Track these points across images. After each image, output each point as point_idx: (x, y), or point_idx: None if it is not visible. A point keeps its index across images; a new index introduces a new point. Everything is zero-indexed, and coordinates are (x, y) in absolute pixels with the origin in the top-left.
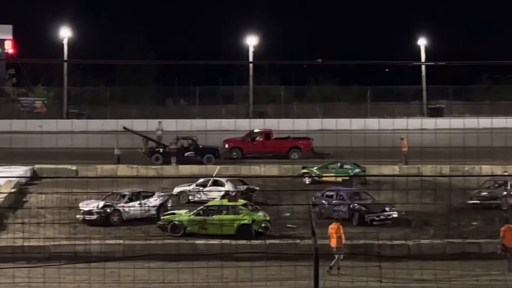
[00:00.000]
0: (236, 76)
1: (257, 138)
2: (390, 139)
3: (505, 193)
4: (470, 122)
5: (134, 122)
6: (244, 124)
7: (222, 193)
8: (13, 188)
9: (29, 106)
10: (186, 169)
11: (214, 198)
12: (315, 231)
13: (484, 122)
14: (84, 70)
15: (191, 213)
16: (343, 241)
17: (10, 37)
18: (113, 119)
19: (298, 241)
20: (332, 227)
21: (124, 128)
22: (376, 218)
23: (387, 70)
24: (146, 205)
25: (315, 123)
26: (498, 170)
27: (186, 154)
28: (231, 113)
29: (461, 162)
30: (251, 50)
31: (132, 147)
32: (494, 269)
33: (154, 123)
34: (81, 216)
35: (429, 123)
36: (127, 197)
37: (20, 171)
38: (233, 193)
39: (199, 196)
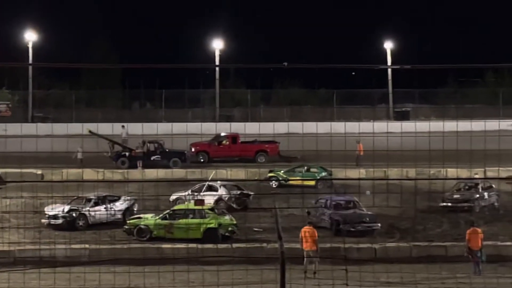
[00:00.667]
0: (202, 80)
1: (224, 142)
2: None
3: (477, 195)
4: (436, 125)
5: (99, 126)
6: (210, 128)
7: (216, 197)
8: None
9: None
10: (152, 173)
11: (209, 203)
12: (281, 235)
13: (450, 125)
14: (49, 74)
15: (158, 217)
16: (315, 245)
17: None
18: (79, 123)
19: (264, 244)
20: (304, 230)
21: (90, 132)
22: (352, 229)
23: (353, 73)
24: (112, 209)
25: (281, 127)
26: (463, 173)
27: (152, 158)
28: (197, 117)
29: (426, 166)
30: (217, 53)
31: (98, 151)
32: (460, 272)
33: (119, 127)
34: (47, 220)
35: (395, 126)
36: (93, 201)
37: None
38: (226, 198)
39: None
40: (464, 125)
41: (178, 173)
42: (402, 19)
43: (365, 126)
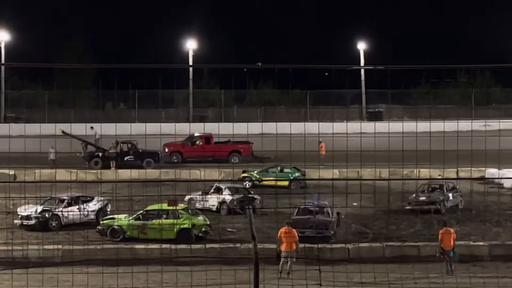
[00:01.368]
0: (176, 80)
1: (197, 142)
2: (330, 142)
3: (442, 197)
4: (409, 126)
5: (72, 126)
6: (184, 128)
7: (220, 199)
8: None
9: None
10: (125, 174)
11: (213, 205)
12: (255, 235)
13: (423, 126)
14: (22, 74)
15: (131, 218)
16: (294, 246)
17: None
18: (51, 123)
19: (238, 245)
20: (282, 231)
21: (63, 132)
22: (300, 234)
23: (326, 74)
24: (85, 209)
25: (255, 127)
26: (436, 173)
27: (126, 158)
28: (171, 117)
29: (399, 166)
30: (190, 53)
31: (71, 152)
32: (432, 272)
33: (89, 128)
34: (19, 221)
35: (368, 126)
36: (66, 201)
37: None
38: (229, 201)
39: (202, 204)
40: (437, 126)
41: (152, 173)
42: (375, 20)
43: (339, 127)
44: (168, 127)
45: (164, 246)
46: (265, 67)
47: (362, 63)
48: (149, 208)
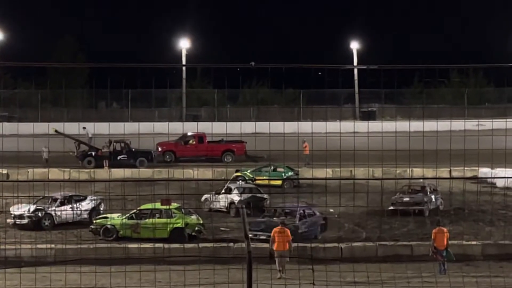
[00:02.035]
0: (169, 79)
1: (191, 142)
2: (323, 142)
3: (426, 199)
4: (402, 125)
5: (66, 125)
6: (177, 128)
7: (229, 200)
8: None
9: None
10: (118, 173)
11: (223, 206)
12: (248, 234)
13: (416, 125)
14: (15, 73)
15: (124, 217)
16: (287, 245)
17: None
18: (45, 122)
19: (231, 244)
20: (275, 230)
21: (56, 131)
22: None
23: (319, 73)
24: (78, 209)
25: (248, 127)
26: (429, 173)
27: (119, 157)
28: (164, 116)
29: (392, 165)
30: (184, 53)
31: (64, 151)
32: (425, 271)
33: (81, 128)
34: (12, 220)
35: (361, 126)
36: (59, 201)
37: None
38: (237, 202)
39: (214, 204)
40: (429, 125)
41: (145, 172)
42: (368, 19)
43: (332, 126)
44: (161, 126)
45: (157, 245)
46: (258, 67)
47: (355, 62)
48: (142, 207)
